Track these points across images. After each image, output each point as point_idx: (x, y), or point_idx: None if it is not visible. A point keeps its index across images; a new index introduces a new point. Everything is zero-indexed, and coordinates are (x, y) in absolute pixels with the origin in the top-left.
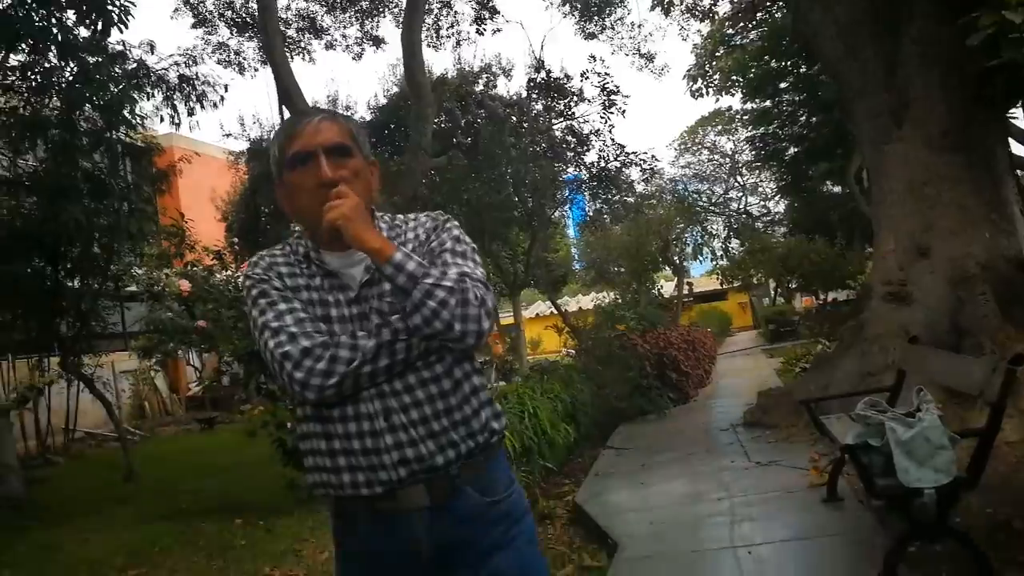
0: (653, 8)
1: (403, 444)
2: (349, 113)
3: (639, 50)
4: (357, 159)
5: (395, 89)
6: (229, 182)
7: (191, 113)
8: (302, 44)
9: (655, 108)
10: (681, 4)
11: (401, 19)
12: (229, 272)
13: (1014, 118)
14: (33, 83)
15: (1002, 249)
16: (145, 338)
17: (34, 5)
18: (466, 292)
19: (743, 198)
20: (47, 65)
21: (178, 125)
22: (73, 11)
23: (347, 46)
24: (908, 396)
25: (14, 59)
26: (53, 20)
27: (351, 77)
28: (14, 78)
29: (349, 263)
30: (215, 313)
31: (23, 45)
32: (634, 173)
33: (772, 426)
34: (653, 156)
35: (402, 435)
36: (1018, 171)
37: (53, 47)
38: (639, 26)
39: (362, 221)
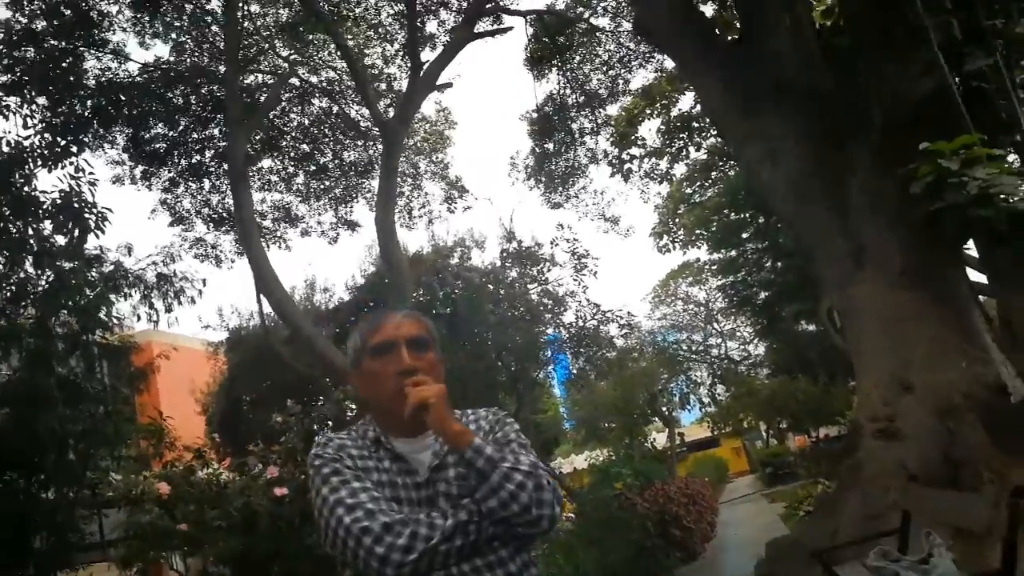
0: (612, 175)
1: None
2: (328, 295)
3: (604, 215)
4: (432, 354)
5: (372, 268)
6: (208, 372)
7: (168, 310)
8: (278, 233)
9: (627, 263)
10: (639, 170)
11: (374, 203)
12: (211, 469)
13: (967, 248)
14: (8, 293)
15: (981, 377)
16: (124, 546)
17: (11, 216)
18: (540, 478)
19: (722, 344)
20: (22, 275)
21: (156, 323)
22: (49, 221)
23: (322, 231)
24: (917, 539)
25: None
26: (30, 231)
27: (328, 259)
28: None
29: (417, 448)
30: (197, 514)
31: None
32: (612, 329)
33: None
34: (629, 312)
35: None
36: (980, 296)
37: (29, 256)
38: (601, 193)
39: (445, 405)
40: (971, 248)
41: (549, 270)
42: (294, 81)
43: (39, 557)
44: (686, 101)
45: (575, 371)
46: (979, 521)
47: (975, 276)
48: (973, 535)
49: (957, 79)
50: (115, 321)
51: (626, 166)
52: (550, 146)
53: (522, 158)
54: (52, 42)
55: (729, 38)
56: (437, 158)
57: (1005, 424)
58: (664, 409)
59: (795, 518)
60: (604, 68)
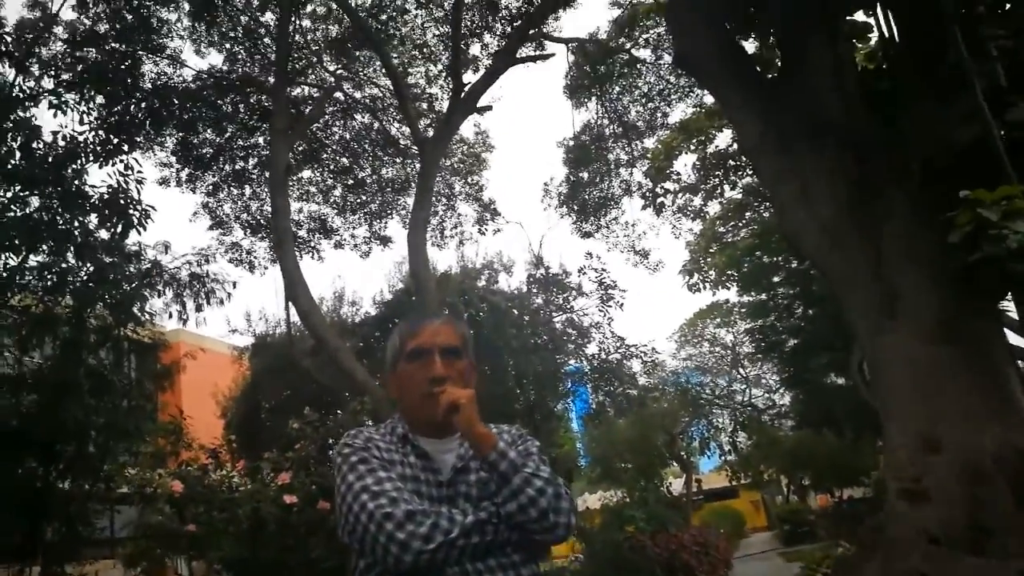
0: (645, 208)
1: None
2: (355, 308)
3: (634, 247)
4: (464, 362)
5: (399, 285)
6: (231, 377)
7: (199, 309)
8: (312, 244)
9: (655, 299)
10: (672, 205)
11: (408, 220)
12: (224, 472)
13: (1007, 310)
14: (49, 283)
15: (1013, 442)
16: (132, 544)
17: (59, 208)
18: (559, 487)
19: (747, 390)
20: (64, 265)
21: (185, 321)
22: (96, 215)
23: (355, 245)
24: None
25: (33, 259)
26: (76, 224)
27: (357, 273)
28: (31, 277)
29: (442, 449)
30: (206, 516)
31: (44, 247)
32: (635, 365)
33: None
34: (653, 348)
35: None
36: (1019, 362)
37: (71, 248)
38: (633, 225)
39: (474, 409)
40: (1012, 310)
41: (575, 299)
42: (338, 96)
43: (50, 547)
44: (723, 138)
45: (594, 405)
46: None
47: (1015, 340)
48: None
49: (1001, 129)
50: (147, 316)
51: (659, 200)
52: (584, 175)
53: (555, 185)
54: (113, 45)
55: (769, 76)
56: (472, 179)
57: None
58: (682, 453)
59: None
60: (643, 100)
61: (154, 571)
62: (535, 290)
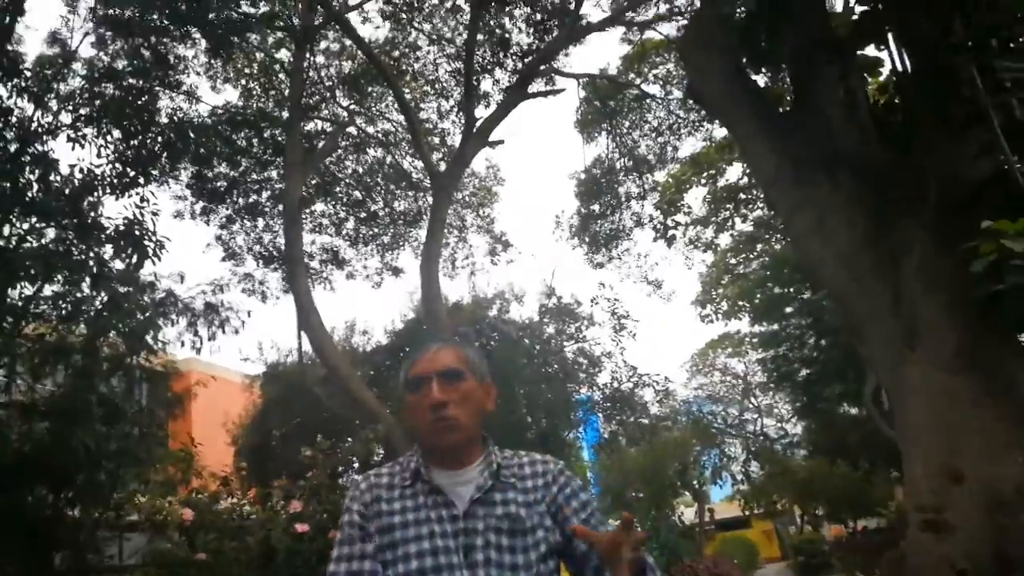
0: (656, 240)
1: None
2: (366, 338)
3: (646, 278)
4: (469, 382)
5: (411, 314)
6: (242, 405)
7: (212, 338)
8: (324, 274)
9: (667, 328)
10: (684, 237)
11: (419, 251)
12: (235, 500)
13: None
14: (63, 312)
15: None
16: (142, 572)
17: (74, 239)
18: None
19: (759, 420)
20: (78, 295)
21: (199, 350)
22: (111, 246)
23: (367, 275)
24: None
25: (48, 289)
26: (91, 254)
27: (369, 303)
28: (45, 307)
29: (458, 481)
30: (216, 543)
31: (59, 276)
32: (647, 394)
33: None
34: (666, 378)
35: None
36: None
37: (87, 278)
38: (645, 256)
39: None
40: None
41: (587, 328)
42: (351, 130)
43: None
44: (733, 172)
45: (606, 435)
46: None
47: None
48: None
49: (1019, 161)
50: (160, 345)
51: (671, 232)
52: (596, 207)
53: (567, 217)
54: (131, 81)
55: (782, 110)
56: (484, 212)
57: None
58: (694, 483)
59: None
60: (653, 134)
61: None
62: (547, 320)
